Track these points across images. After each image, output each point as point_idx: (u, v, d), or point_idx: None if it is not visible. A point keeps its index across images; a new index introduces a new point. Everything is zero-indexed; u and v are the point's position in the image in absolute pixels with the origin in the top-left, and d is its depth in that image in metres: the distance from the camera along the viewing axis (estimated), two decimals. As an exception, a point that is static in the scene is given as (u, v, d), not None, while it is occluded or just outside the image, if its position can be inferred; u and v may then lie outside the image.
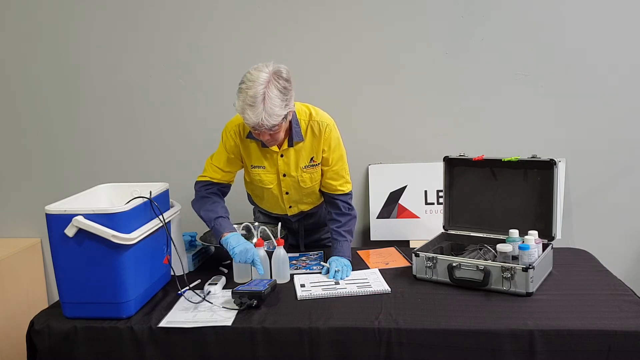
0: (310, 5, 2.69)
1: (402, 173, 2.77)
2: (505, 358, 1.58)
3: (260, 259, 1.92)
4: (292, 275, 2.01)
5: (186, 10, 2.75)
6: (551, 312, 1.67)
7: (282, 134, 1.93)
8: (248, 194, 2.36)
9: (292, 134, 2.00)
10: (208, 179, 2.10)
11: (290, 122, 1.97)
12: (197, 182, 2.12)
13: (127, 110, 2.88)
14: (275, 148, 2.02)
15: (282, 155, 2.06)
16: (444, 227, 2.20)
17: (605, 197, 2.72)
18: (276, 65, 1.83)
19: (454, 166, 2.16)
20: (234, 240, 1.95)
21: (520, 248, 1.85)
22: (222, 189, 2.13)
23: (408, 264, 2.12)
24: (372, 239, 2.79)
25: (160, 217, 1.85)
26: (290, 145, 2.03)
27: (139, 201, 1.77)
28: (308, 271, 2.08)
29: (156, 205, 1.84)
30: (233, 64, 2.75)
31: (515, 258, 1.88)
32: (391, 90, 2.73)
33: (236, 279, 1.99)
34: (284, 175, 2.10)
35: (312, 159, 2.07)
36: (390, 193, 2.78)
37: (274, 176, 2.11)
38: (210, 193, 2.09)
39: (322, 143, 2.04)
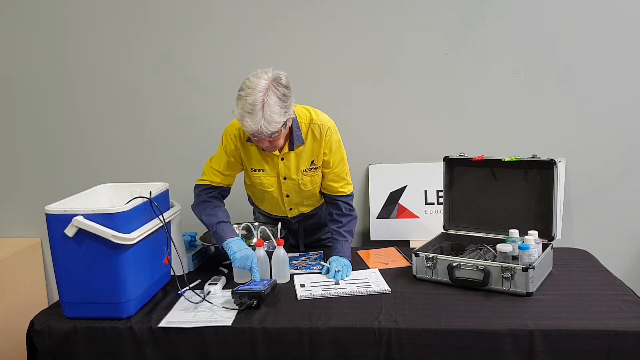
0: (312, 5, 2.68)
1: (402, 173, 2.77)
2: (505, 358, 1.58)
3: (260, 262, 1.92)
4: (292, 275, 2.01)
5: (186, 10, 2.75)
6: (551, 312, 1.67)
7: (281, 140, 1.92)
8: (248, 195, 2.36)
9: (293, 138, 2.00)
10: (208, 182, 2.09)
11: (290, 126, 1.97)
12: (196, 186, 2.12)
13: (127, 110, 2.88)
14: (276, 152, 2.02)
15: (282, 159, 2.05)
16: (444, 227, 2.20)
17: (605, 197, 2.72)
18: (275, 72, 1.82)
19: (454, 166, 2.16)
20: (235, 246, 1.96)
21: (520, 248, 1.85)
22: (222, 193, 2.13)
23: (408, 264, 2.12)
24: (372, 239, 2.79)
25: (160, 217, 1.85)
26: (291, 148, 2.02)
27: (139, 201, 1.77)
28: (308, 271, 2.08)
29: (156, 205, 1.84)
30: (233, 64, 2.76)
31: (515, 258, 1.88)
32: (391, 90, 2.73)
33: (236, 279, 2.00)
34: (285, 179, 2.10)
35: (312, 162, 2.07)
36: (390, 193, 2.78)
37: (274, 179, 2.11)
38: (210, 197, 2.08)
39: (322, 146, 2.04)
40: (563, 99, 2.66)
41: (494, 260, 1.91)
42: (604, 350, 1.55)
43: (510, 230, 1.96)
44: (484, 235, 2.11)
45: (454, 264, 1.88)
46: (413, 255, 1.97)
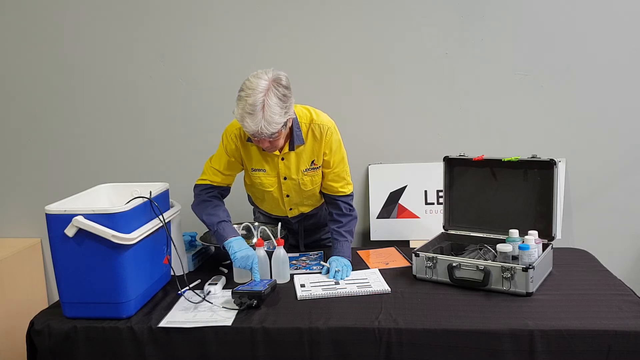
0: (312, 5, 2.68)
1: (402, 173, 2.77)
2: (505, 358, 1.58)
3: (260, 262, 1.93)
4: (292, 275, 2.01)
5: (186, 10, 2.75)
6: (551, 312, 1.67)
7: (281, 141, 1.92)
8: (248, 195, 2.36)
9: (293, 138, 2.00)
10: (208, 182, 2.09)
11: (291, 126, 1.97)
12: (196, 186, 2.12)
13: (127, 110, 2.88)
14: (276, 152, 2.02)
15: (282, 159, 2.05)
16: (444, 227, 2.20)
17: (605, 197, 2.72)
18: (276, 72, 1.82)
19: (454, 166, 2.16)
20: (236, 245, 1.96)
21: (520, 248, 1.85)
22: (222, 192, 2.13)
23: (408, 264, 2.12)
24: (372, 239, 2.79)
25: (160, 217, 1.85)
26: (292, 148, 2.02)
27: (139, 201, 1.77)
28: (308, 271, 2.08)
29: (156, 205, 1.84)
30: (233, 63, 2.76)
31: (515, 258, 1.88)
32: (391, 90, 2.73)
33: (236, 279, 2.00)
34: (285, 178, 2.10)
35: (313, 162, 2.07)
36: (390, 193, 2.78)
37: (274, 179, 2.11)
38: (210, 197, 2.08)
39: (323, 146, 2.04)
40: (563, 99, 2.66)
41: (494, 260, 1.91)
42: (604, 350, 1.55)
43: (510, 230, 1.96)
44: (484, 235, 2.11)
45: (454, 264, 1.88)
46: (413, 255, 1.97)
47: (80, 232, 1.64)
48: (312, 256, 2.24)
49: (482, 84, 2.69)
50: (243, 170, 2.17)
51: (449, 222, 2.20)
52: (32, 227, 3.03)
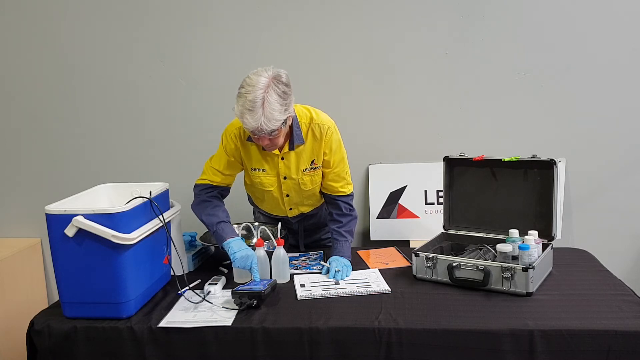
0: (312, 5, 2.69)
1: (402, 173, 2.77)
2: (505, 358, 1.58)
3: (260, 262, 1.93)
4: (292, 275, 2.01)
5: (185, 10, 2.75)
6: (551, 312, 1.67)
7: (281, 139, 1.92)
8: (248, 195, 2.36)
9: (293, 137, 2.00)
10: (208, 182, 2.09)
11: (290, 125, 1.97)
12: (196, 185, 2.12)
13: (127, 110, 2.88)
14: (276, 151, 2.02)
15: (282, 158, 2.05)
16: (444, 227, 2.20)
17: (605, 197, 2.72)
18: (276, 70, 1.82)
19: (454, 166, 2.16)
20: (235, 246, 1.96)
21: (520, 248, 1.85)
22: (222, 192, 2.13)
23: (408, 264, 2.12)
24: (372, 239, 2.79)
25: (160, 217, 1.85)
26: (291, 148, 2.02)
27: (139, 201, 1.77)
28: (308, 271, 2.08)
29: (156, 205, 1.84)
30: (233, 63, 2.76)
31: (515, 258, 1.88)
32: (392, 90, 2.73)
33: (236, 279, 2.00)
34: (285, 178, 2.10)
35: (312, 161, 2.07)
36: (390, 193, 2.78)
37: (274, 179, 2.11)
38: (210, 197, 2.08)
39: (323, 146, 2.04)
40: (563, 99, 2.66)
41: (494, 260, 1.91)
42: (604, 350, 1.55)
43: (510, 230, 1.96)
44: (484, 235, 2.11)
45: (454, 264, 1.88)
46: (413, 255, 1.97)
47: (80, 232, 1.64)
48: (312, 256, 2.24)
49: (482, 84, 2.69)
50: (243, 170, 2.17)
51: (449, 222, 2.20)
52: (32, 227, 3.03)
